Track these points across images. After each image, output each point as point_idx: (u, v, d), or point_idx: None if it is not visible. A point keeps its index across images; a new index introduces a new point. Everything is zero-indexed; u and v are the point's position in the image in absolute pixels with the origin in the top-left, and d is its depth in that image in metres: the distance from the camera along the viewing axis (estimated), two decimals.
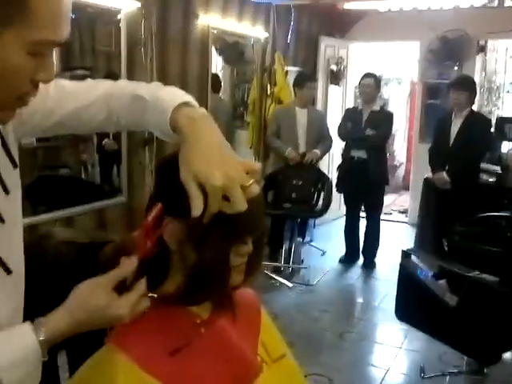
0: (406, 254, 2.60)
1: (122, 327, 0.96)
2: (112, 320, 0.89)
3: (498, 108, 6.70)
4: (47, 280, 1.14)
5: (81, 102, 1.02)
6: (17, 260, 0.94)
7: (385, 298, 4.37)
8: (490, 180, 4.94)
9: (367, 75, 4.77)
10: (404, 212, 7.14)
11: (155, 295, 0.94)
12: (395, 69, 8.31)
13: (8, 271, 0.89)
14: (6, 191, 0.89)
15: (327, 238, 5.79)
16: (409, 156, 8.21)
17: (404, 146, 8.57)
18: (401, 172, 8.71)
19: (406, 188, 8.09)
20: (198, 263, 0.91)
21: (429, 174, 5.13)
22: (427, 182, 4.99)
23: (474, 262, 2.48)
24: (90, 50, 6.62)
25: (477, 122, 4.26)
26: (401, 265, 2.59)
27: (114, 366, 0.89)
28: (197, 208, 0.83)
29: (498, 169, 5.24)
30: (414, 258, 2.63)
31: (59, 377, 1.28)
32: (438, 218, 4.59)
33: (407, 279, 2.52)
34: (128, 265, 0.89)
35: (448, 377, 2.96)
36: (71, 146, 3.67)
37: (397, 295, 2.62)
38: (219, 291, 0.97)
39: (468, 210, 4.03)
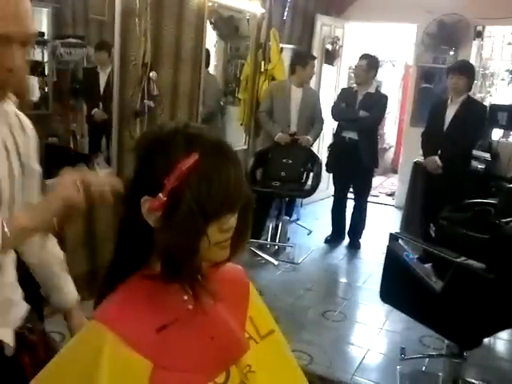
0: (393, 237, 2.61)
1: (108, 304, 0.96)
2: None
3: (491, 95, 6.70)
4: None
5: None
6: None
7: (368, 278, 4.41)
8: (480, 167, 4.97)
9: (362, 57, 4.73)
10: (391, 195, 7.18)
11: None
12: (390, 51, 8.25)
13: None
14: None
15: (314, 218, 5.82)
16: (399, 139, 8.22)
17: (394, 129, 8.57)
18: (390, 155, 8.73)
19: (395, 171, 8.13)
20: (165, 242, 0.91)
21: (419, 158, 5.14)
22: (417, 166, 5.00)
23: (460, 248, 2.50)
24: (83, 19, 6.50)
25: (473, 108, 4.25)
26: (388, 247, 2.60)
27: (100, 343, 0.88)
28: None
29: (487, 156, 5.27)
30: (400, 241, 2.64)
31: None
32: (425, 203, 4.62)
33: (393, 262, 2.53)
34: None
35: (427, 359, 3.00)
36: (61, 114, 3.61)
37: (382, 277, 2.64)
38: (188, 270, 0.95)
39: (457, 196, 4.05)
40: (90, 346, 0.90)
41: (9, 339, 1.20)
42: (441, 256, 2.46)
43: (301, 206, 5.90)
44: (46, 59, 6.22)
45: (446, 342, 2.69)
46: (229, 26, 6.31)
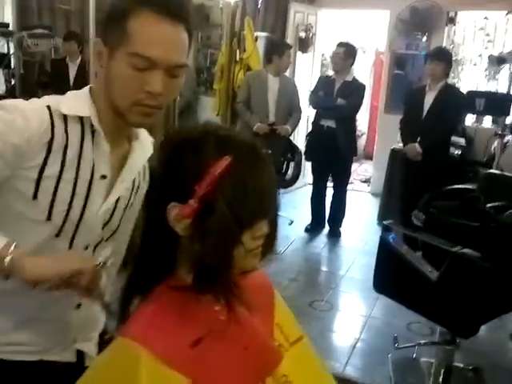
0: (386, 228, 2.60)
1: (137, 319, 0.90)
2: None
3: (460, 80, 6.79)
4: None
5: None
6: None
7: (351, 266, 4.43)
8: (456, 152, 5.03)
9: (339, 44, 4.71)
10: (366, 181, 7.22)
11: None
12: (360, 38, 8.27)
13: None
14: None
15: (293, 207, 5.80)
16: (371, 126, 8.27)
17: (366, 116, 8.61)
18: (362, 142, 8.77)
19: (367, 157, 8.18)
20: (201, 253, 0.86)
21: (396, 145, 5.18)
22: (395, 153, 5.03)
23: (451, 236, 2.50)
24: (50, 9, 6.27)
25: (451, 95, 4.27)
26: (381, 238, 2.58)
27: (135, 362, 0.82)
28: None
29: (462, 141, 5.34)
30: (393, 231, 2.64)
31: None
32: (405, 190, 4.64)
33: (387, 252, 2.52)
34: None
35: (420, 347, 3.02)
36: None
37: (376, 268, 2.63)
38: (224, 280, 0.90)
39: (436, 182, 4.08)
40: (124, 365, 0.84)
41: (92, 352, 1.29)
42: (435, 245, 2.46)
43: (279, 194, 5.87)
44: (11, 51, 6.03)
45: (439, 328, 2.71)
46: (199, 14, 6.19)
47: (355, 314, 3.66)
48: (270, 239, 0.96)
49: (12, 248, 1.01)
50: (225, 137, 0.88)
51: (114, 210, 1.21)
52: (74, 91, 1.17)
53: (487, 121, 6.15)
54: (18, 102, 1.09)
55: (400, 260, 2.46)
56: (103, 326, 1.36)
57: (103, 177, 1.15)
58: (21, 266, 1.00)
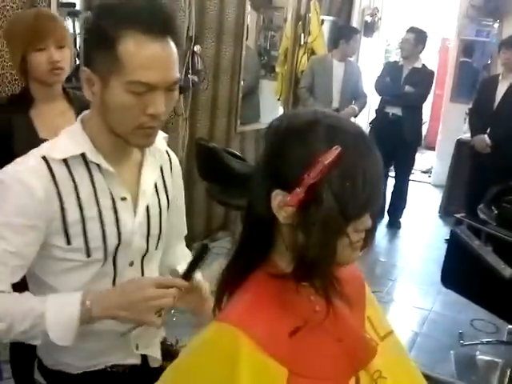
0: (458, 221, 2.52)
1: (235, 305, 0.90)
2: (150, 310, 1.07)
3: None
4: None
5: None
6: None
7: (411, 259, 4.34)
8: None
9: (409, 30, 4.56)
10: (426, 172, 7.04)
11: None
12: (426, 23, 8.00)
13: None
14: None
15: None
16: (434, 115, 8.03)
17: (428, 105, 8.36)
18: (423, 131, 8.53)
19: (429, 147, 7.95)
20: (305, 244, 0.84)
21: (462, 136, 5.00)
22: (461, 145, 4.87)
23: None
24: None
25: None
26: (452, 231, 2.51)
27: (235, 347, 0.81)
28: None
29: None
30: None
31: None
32: (470, 183, 4.49)
33: (459, 247, 2.45)
34: (177, 282, 1.12)
35: (485, 345, 2.93)
36: None
37: (445, 261, 2.56)
38: (325, 271, 0.88)
39: (504, 176, 3.92)
40: (224, 351, 0.83)
41: (156, 354, 1.33)
42: (508, 241, 2.37)
43: None
44: (77, 31, 6.16)
45: (508, 327, 2.63)
46: None
47: (416, 307, 3.59)
48: (370, 232, 0.93)
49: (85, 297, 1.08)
50: (334, 125, 0.85)
51: (149, 219, 1.22)
52: (68, 128, 1.16)
53: None
54: (16, 170, 1.08)
55: (471, 255, 2.38)
56: (163, 333, 1.39)
57: (123, 199, 1.16)
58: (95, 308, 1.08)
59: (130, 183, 1.19)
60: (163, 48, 1.04)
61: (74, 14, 6.38)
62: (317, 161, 0.81)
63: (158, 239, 1.26)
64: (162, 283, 1.11)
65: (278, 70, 5.34)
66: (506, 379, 2.58)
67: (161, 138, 1.25)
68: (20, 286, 1.12)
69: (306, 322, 0.90)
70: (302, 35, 4.93)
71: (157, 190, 1.25)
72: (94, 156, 1.12)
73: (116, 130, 1.10)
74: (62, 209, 1.10)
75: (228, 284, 0.95)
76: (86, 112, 1.17)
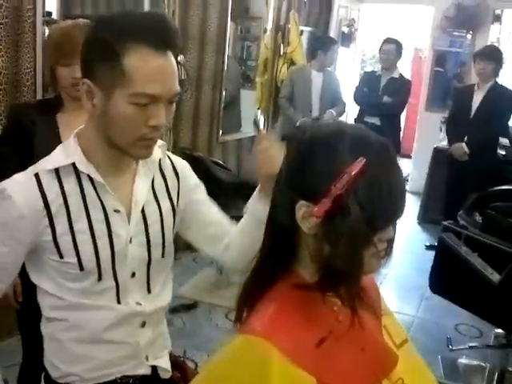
0: (445, 228, 2.57)
1: (261, 316, 0.89)
2: None
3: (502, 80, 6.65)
4: None
5: None
6: None
7: (394, 266, 4.38)
8: (501, 153, 4.93)
9: (388, 41, 4.65)
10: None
11: None
12: (400, 34, 8.16)
13: None
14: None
15: None
16: (408, 123, 8.16)
17: (403, 114, 8.50)
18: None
19: (404, 155, 8.07)
20: (332, 255, 0.84)
21: (439, 144, 5.11)
22: (438, 153, 4.97)
23: (510, 238, 2.46)
24: None
25: (501, 94, 4.20)
26: (440, 238, 2.56)
27: (266, 360, 0.81)
28: None
29: (506, 142, 5.24)
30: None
31: None
32: (448, 190, 4.58)
33: (446, 253, 2.49)
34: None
35: (472, 349, 2.98)
36: None
37: (433, 268, 2.60)
38: (353, 282, 0.89)
39: (481, 183, 4.01)
40: (254, 364, 0.83)
41: (167, 365, 1.31)
42: (494, 247, 2.42)
43: None
44: None
45: (494, 331, 2.68)
46: (239, 6, 6.17)
47: (401, 313, 3.62)
48: (391, 242, 0.94)
49: None
50: (359, 136, 0.87)
51: (147, 228, 1.20)
52: (63, 142, 1.18)
53: None
54: (4, 184, 1.10)
55: (460, 262, 2.42)
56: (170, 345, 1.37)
57: (116, 211, 1.16)
58: None
59: (123, 195, 1.18)
60: (167, 61, 1.06)
61: (52, 23, 6.30)
62: (343, 172, 0.82)
63: (163, 247, 1.24)
64: None
65: (257, 79, 5.38)
66: (494, 382, 2.63)
67: (156, 146, 1.23)
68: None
69: (330, 332, 0.90)
70: (282, 45, 4.97)
71: (156, 196, 1.23)
72: (83, 166, 1.12)
73: (117, 141, 1.10)
74: (52, 223, 1.10)
75: (250, 296, 0.95)
76: (81, 126, 1.17)
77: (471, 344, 2.98)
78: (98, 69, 1.05)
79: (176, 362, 1.38)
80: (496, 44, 5.80)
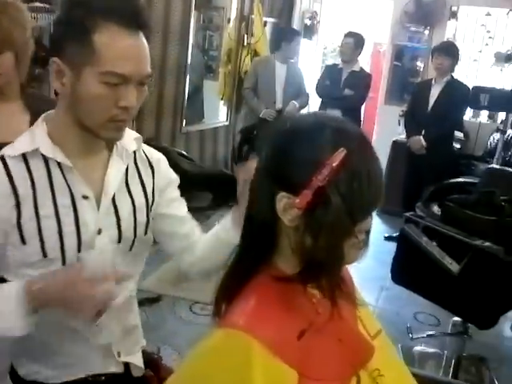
0: (407, 219, 2.64)
1: (240, 309, 0.89)
2: (87, 308, 1.03)
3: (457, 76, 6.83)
4: None
5: None
6: None
7: None
8: (456, 146, 5.09)
9: (348, 34, 4.71)
10: None
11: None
12: (360, 28, 8.26)
13: None
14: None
15: None
16: (367, 116, 8.30)
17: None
18: None
19: None
20: (313, 246, 0.85)
21: (398, 137, 5.22)
22: (397, 146, 5.07)
23: (468, 229, 2.54)
24: None
25: (457, 89, 4.32)
26: (402, 229, 2.63)
27: (246, 353, 0.81)
28: None
29: (461, 135, 5.41)
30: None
31: None
32: (407, 183, 4.69)
33: (408, 244, 2.56)
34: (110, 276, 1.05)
35: (432, 338, 3.08)
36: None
37: (394, 259, 2.67)
38: (333, 273, 0.91)
39: (439, 176, 4.14)
40: (235, 358, 0.83)
41: (140, 362, 1.30)
42: (453, 237, 2.50)
43: None
44: None
45: (452, 319, 2.77)
46: None
47: None
48: (368, 233, 0.96)
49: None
50: (339, 127, 0.86)
51: (119, 221, 1.18)
52: (31, 128, 1.14)
53: (483, 116, 6.22)
54: None
55: (420, 252, 2.50)
56: (144, 341, 1.36)
57: (85, 197, 1.13)
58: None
59: (94, 180, 1.15)
60: (139, 42, 1.05)
61: None
62: (324, 163, 0.82)
63: (133, 243, 1.22)
64: (93, 277, 1.04)
65: (220, 70, 5.35)
66: (451, 369, 2.73)
67: (131, 138, 1.21)
68: None
69: (310, 324, 0.92)
70: (246, 36, 4.96)
71: (129, 189, 1.21)
72: (49, 151, 1.09)
73: (86, 122, 1.08)
74: (18, 207, 1.08)
75: (228, 290, 0.95)
76: (50, 111, 1.15)
77: (429, 332, 3.07)
78: (68, 46, 1.04)
79: (149, 359, 1.36)
80: (452, 40, 5.96)
